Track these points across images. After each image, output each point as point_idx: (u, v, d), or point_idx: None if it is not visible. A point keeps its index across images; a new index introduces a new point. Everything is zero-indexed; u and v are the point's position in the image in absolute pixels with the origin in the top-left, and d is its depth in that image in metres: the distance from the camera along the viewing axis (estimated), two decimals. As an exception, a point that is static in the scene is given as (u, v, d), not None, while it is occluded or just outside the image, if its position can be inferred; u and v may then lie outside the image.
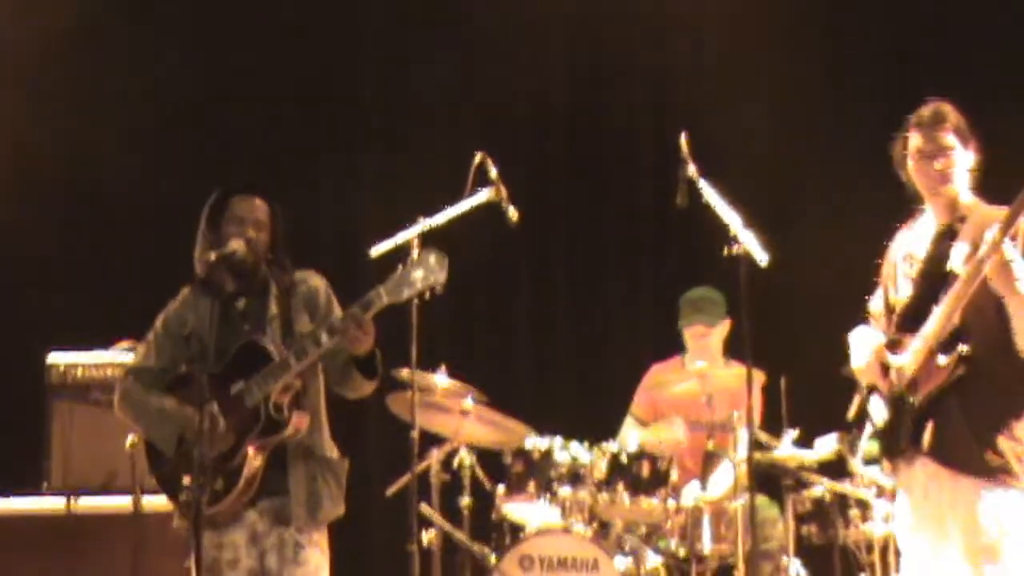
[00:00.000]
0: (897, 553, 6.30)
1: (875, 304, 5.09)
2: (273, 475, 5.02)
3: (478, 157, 5.96)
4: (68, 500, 6.25)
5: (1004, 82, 7.52)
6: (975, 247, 4.66)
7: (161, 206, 7.33)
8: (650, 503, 6.51)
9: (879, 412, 4.94)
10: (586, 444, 6.59)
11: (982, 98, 5.82)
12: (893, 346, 4.94)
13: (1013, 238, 4.55)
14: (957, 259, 4.66)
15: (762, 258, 5.62)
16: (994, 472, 4.65)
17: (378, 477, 6.61)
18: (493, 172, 5.97)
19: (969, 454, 4.70)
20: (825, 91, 7.97)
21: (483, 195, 5.97)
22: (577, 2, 8.16)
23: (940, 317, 4.67)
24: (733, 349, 7.10)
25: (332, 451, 5.18)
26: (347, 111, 8.23)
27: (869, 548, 6.62)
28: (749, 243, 5.64)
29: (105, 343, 6.52)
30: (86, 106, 7.82)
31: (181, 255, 5.28)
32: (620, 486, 6.49)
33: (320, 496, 5.06)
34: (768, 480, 6.70)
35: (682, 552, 6.59)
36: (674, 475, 6.63)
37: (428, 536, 6.40)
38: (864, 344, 4.96)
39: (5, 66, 7.77)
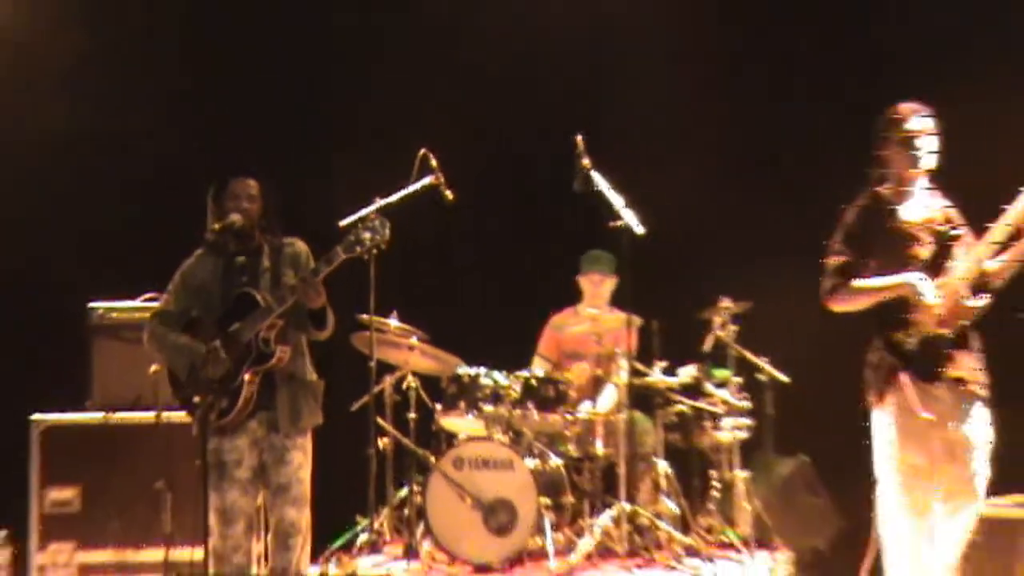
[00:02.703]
0: (741, 453, 7.17)
1: (848, 252, 5.07)
2: (265, 394, 5.27)
3: (421, 152, 6.35)
4: (106, 414, 6.56)
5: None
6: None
7: (175, 188, 6.85)
8: (553, 417, 6.97)
9: (908, 341, 4.92)
10: (505, 372, 6.99)
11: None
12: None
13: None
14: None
15: (639, 230, 6.24)
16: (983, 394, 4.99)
17: (344, 396, 6.81)
18: (433, 162, 6.35)
19: (975, 379, 4.99)
20: (693, 87, 7.91)
21: (425, 180, 6.35)
22: (509, 17, 8.18)
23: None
24: (617, 299, 7.38)
25: (311, 375, 5.41)
26: (323, 118, 8.34)
27: (718, 450, 7.25)
28: (629, 218, 6.25)
29: (133, 295, 6.74)
30: (120, 90, 7.88)
31: (195, 226, 5.48)
32: (530, 404, 6.94)
33: (301, 410, 5.31)
34: (643, 399, 7.21)
35: (577, 454, 7.03)
36: (572, 395, 7.02)
37: (383, 443, 6.90)
38: (930, 287, 4.91)
39: (38, 22, 7.86)
